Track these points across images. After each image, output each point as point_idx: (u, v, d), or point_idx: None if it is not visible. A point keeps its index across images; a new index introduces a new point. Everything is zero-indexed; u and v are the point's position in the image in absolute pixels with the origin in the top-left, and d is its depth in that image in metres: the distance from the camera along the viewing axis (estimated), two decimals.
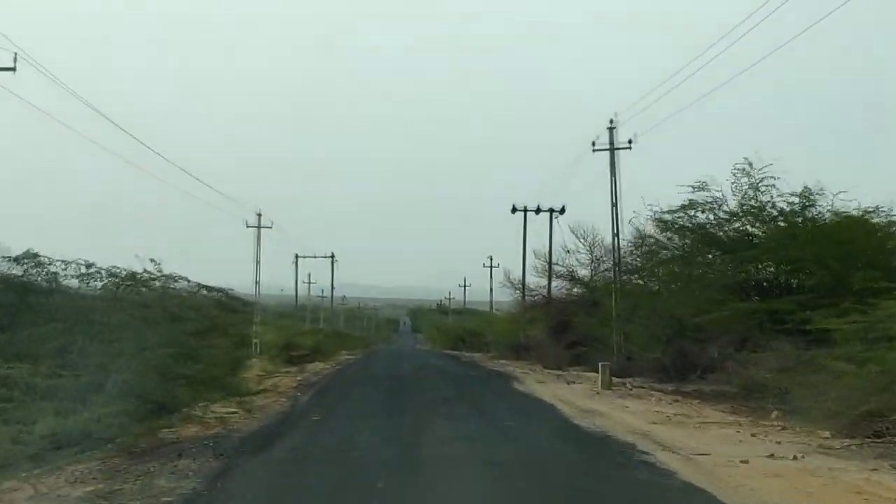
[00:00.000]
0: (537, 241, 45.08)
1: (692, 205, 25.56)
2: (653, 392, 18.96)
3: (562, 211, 45.87)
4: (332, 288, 74.38)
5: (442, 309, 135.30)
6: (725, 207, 25.19)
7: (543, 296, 41.39)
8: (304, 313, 79.56)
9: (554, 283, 41.10)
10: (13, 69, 15.60)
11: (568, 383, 21.13)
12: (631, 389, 19.47)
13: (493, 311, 73.51)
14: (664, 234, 27.23)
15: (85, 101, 18.61)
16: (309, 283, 79.67)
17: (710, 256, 26.76)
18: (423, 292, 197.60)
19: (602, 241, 38.30)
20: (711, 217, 25.73)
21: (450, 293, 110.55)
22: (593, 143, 30.55)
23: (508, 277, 44.29)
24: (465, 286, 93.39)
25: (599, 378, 19.33)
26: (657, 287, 29.22)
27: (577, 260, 39.47)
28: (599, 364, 19.40)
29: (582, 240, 38.70)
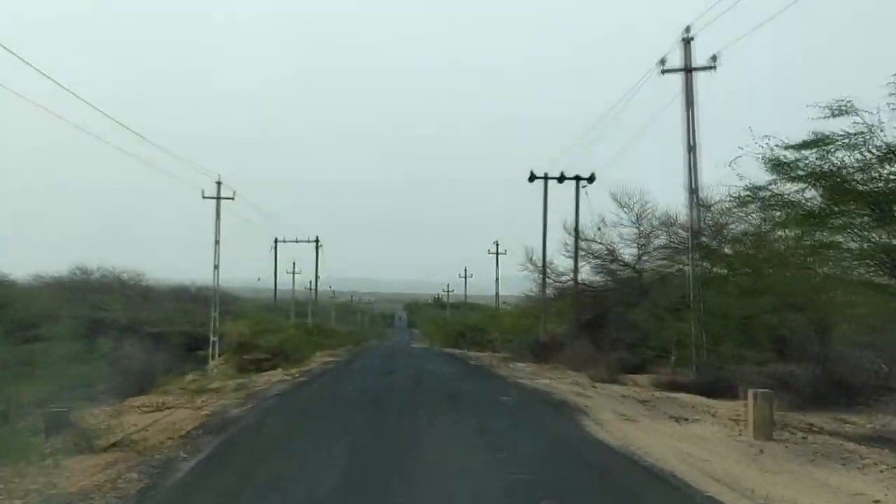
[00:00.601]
0: (560, 218, 36.36)
1: (825, 140, 16.54)
2: (844, 443, 10.23)
3: (591, 179, 37.57)
4: (317, 277, 65.42)
5: (439, 303, 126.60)
6: (878, 141, 16.23)
7: (579, 281, 32.44)
8: (296, 307, 70.66)
9: (588, 266, 32.23)
10: None
11: (677, 421, 12.24)
12: (806, 438, 10.63)
13: (500, 304, 64.60)
14: (780, 182, 18.30)
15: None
16: (293, 272, 70.55)
17: (845, 216, 17.95)
18: (420, 286, 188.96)
19: (653, 211, 29.55)
20: (854, 157, 16.76)
21: (448, 285, 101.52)
22: (662, 62, 21.69)
23: (531, 258, 35.33)
24: (465, 276, 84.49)
25: (751, 416, 10.45)
26: (769, 266, 20.33)
27: (618, 235, 30.66)
28: (750, 393, 10.54)
29: (626, 209, 29.90)
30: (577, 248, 36.53)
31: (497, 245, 64.01)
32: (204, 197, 37.82)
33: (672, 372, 25.11)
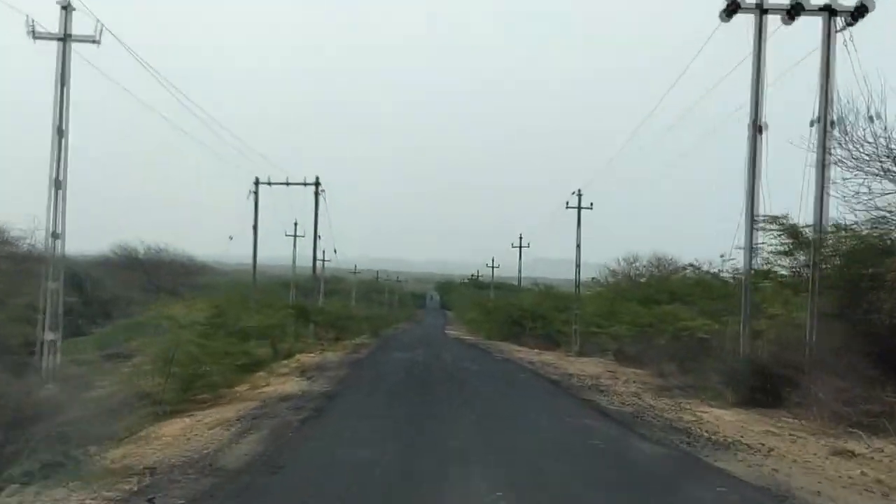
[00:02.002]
0: None
1: None
2: None
3: (858, 13, 16.98)
4: (316, 234, 44.16)
5: (477, 283, 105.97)
6: None
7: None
8: (312, 284, 50.28)
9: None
10: None
11: None
12: None
13: (589, 281, 44.10)
14: None
15: None
16: (294, 235, 49.72)
17: None
18: (452, 267, 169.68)
19: None
20: None
21: (493, 259, 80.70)
22: None
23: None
24: (520, 246, 63.59)
25: None
26: None
27: None
28: None
29: None
30: (823, 154, 16.92)
31: (580, 197, 43.14)
32: (35, 37, 17.76)
33: None
